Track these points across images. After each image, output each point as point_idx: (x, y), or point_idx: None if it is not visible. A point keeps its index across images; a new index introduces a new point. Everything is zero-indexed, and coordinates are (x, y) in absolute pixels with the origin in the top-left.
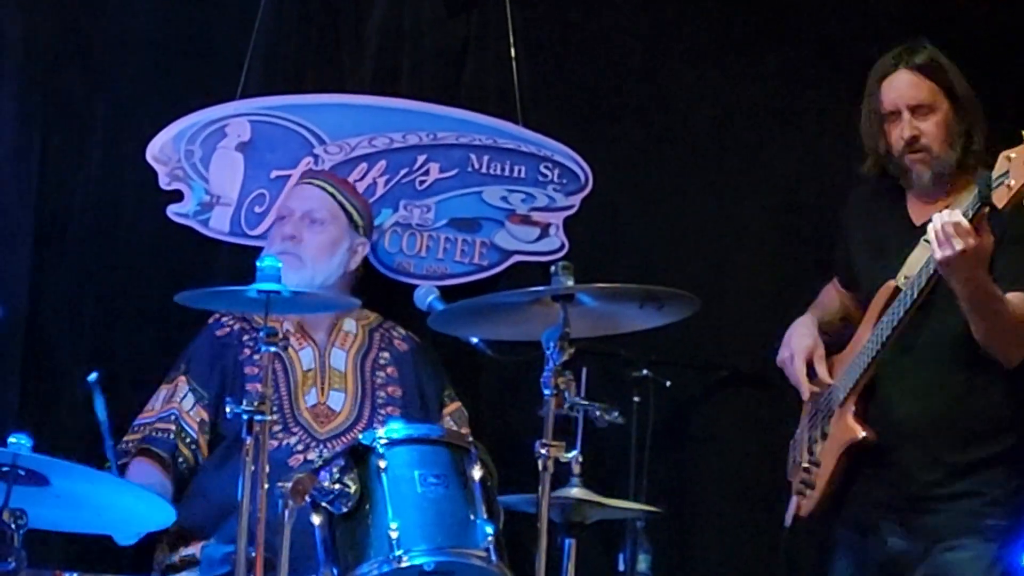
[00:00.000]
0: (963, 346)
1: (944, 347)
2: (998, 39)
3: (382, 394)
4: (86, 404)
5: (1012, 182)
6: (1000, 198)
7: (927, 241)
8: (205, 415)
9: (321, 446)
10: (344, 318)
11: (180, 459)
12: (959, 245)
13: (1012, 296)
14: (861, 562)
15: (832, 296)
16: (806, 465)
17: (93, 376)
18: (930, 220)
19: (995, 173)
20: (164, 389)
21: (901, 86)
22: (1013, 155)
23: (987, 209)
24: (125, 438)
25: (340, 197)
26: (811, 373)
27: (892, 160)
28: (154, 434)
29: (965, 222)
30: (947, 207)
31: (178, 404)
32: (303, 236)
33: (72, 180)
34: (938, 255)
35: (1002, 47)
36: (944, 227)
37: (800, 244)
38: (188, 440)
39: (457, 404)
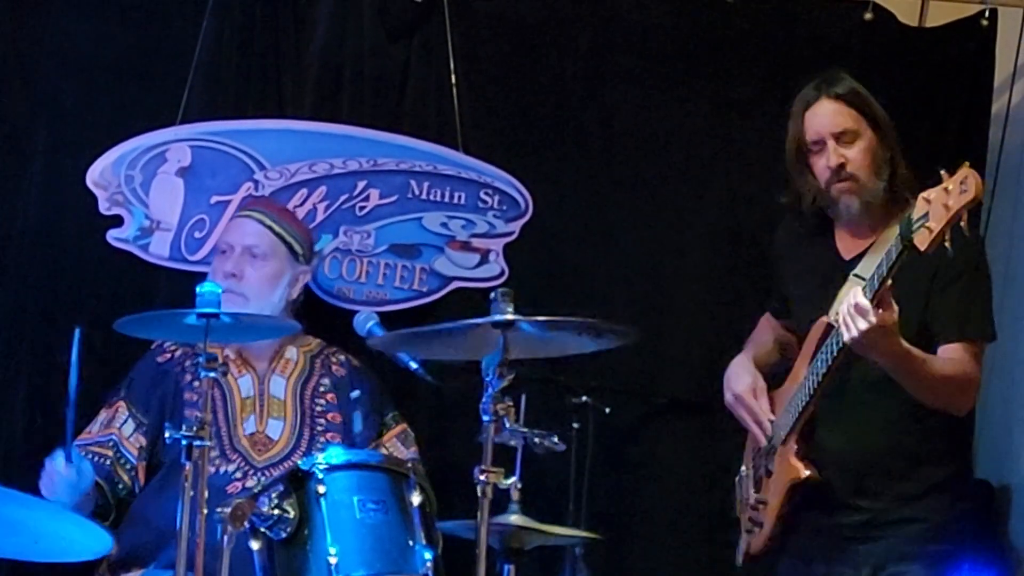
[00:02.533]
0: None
1: (879, 382)
2: (931, 72)
3: (322, 421)
4: (30, 415)
5: (932, 224)
6: (922, 241)
7: (857, 277)
8: (144, 441)
9: (259, 474)
10: (287, 345)
11: (119, 484)
12: (862, 325)
13: (944, 349)
14: None
15: (766, 329)
16: (753, 503)
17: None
18: (859, 256)
19: (915, 215)
20: (103, 413)
21: (824, 115)
22: (932, 196)
23: (890, 282)
24: None
25: (279, 229)
26: None
27: (819, 192)
28: (88, 456)
29: (864, 302)
30: (875, 243)
31: (117, 429)
32: (244, 272)
33: (12, 204)
34: (845, 337)
35: (935, 83)
36: (848, 310)
37: (740, 272)
38: (128, 466)
39: (403, 425)
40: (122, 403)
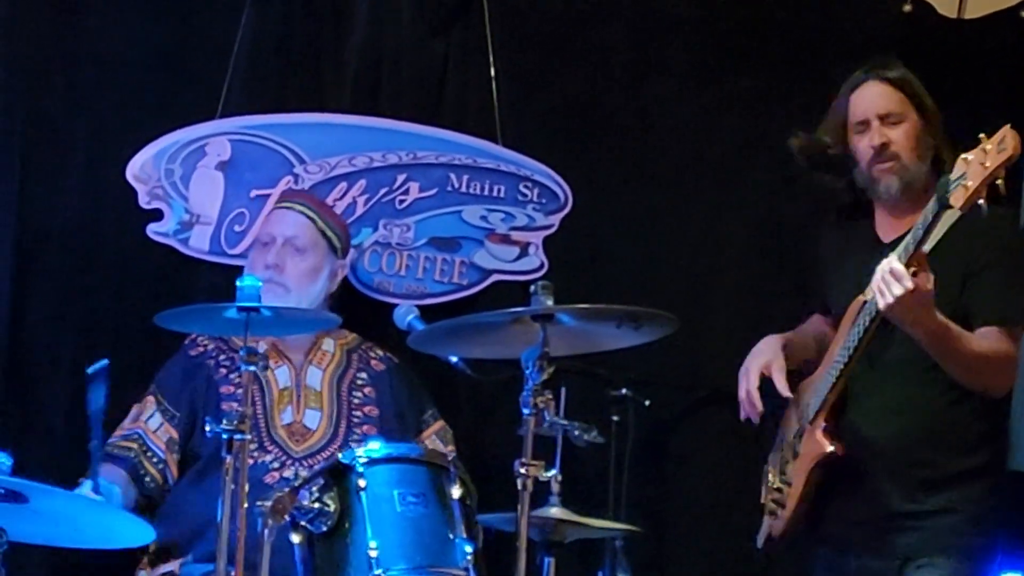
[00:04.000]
0: (933, 363)
1: (914, 364)
2: (970, 64)
3: (359, 414)
4: (71, 409)
5: (969, 183)
6: (957, 198)
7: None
8: (174, 433)
9: (296, 464)
10: (323, 338)
11: (147, 478)
12: (897, 291)
13: (984, 330)
14: None
15: (814, 324)
16: (778, 485)
17: (100, 365)
18: (899, 239)
19: (953, 176)
20: (134, 409)
21: (871, 95)
22: (970, 157)
23: (926, 248)
24: None
25: (321, 223)
26: (770, 386)
27: (860, 172)
28: (113, 451)
29: (898, 266)
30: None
31: (143, 424)
32: (286, 264)
33: (52, 199)
34: (880, 304)
35: (974, 76)
36: (883, 276)
37: (779, 263)
38: (155, 459)
39: (441, 423)
40: (151, 398)
